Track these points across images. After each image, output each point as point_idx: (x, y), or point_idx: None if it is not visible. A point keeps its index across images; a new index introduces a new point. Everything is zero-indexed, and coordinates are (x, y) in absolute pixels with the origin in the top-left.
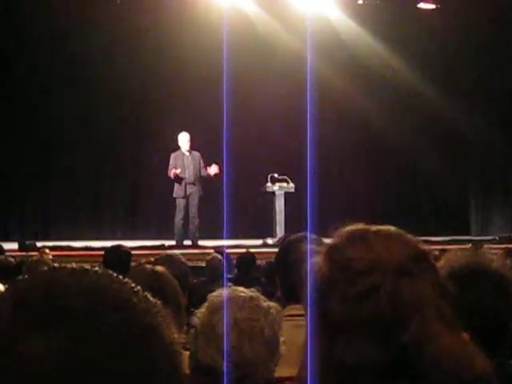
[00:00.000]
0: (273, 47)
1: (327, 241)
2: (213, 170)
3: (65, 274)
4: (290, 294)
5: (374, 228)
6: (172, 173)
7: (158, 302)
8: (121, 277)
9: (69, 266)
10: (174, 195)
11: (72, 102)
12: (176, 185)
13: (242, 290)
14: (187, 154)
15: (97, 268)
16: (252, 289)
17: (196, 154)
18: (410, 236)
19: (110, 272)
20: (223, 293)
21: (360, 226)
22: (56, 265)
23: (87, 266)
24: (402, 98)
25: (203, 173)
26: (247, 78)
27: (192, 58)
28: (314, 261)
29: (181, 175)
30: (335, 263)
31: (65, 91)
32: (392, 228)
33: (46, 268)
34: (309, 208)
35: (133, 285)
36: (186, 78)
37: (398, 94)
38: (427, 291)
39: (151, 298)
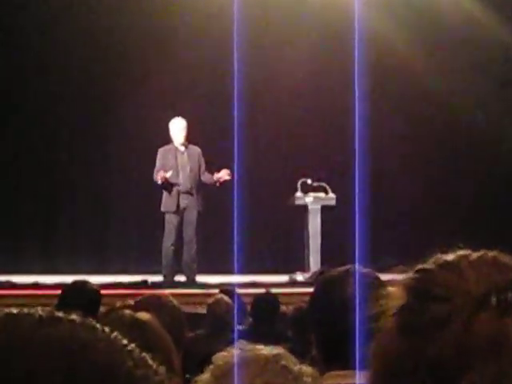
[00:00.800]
0: None
1: (386, 277)
2: (223, 175)
3: (28, 325)
4: (332, 355)
5: (474, 254)
6: (159, 176)
7: (161, 367)
8: (107, 329)
9: (33, 311)
10: (163, 209)
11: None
12: (165, 194)
13: (262, 348)
14: (182, 149)
15: (74, 316)
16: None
17: (195, 150)
18: None
19: (93, 323)
20: (234, 352)
21: (460, 252)
22: (13, 310)
23: (59, 313)
24: (496, 69)
25: (204, 177)
26: (269, 38)
27: (190, 7)
28: (387, 293)
29: (172, 180)
30: (414, 291)
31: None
32: (498, 254)
33: None
34: (358, 229)
35: (125, 341)
36: (180, 38)
37: (491, 64)
38: None
39: (150, 361)
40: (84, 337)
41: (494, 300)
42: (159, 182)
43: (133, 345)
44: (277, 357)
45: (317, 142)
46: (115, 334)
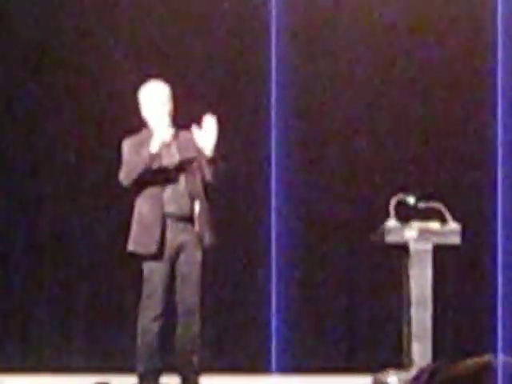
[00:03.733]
0: None
1: None
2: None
3: None
4: None
5: None
6: (142, 159)
7: None
8: None
9: None
10: (133, 247)
11: None
12: (137, 221)
13: None
14: (166, 138)
15: None
16: None
17: (187, 137)
18: None
19: None
20: None
21: None
22: None
23: None
24: None
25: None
26: None
27: None
28: None
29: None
30: None
31: None
32: None
33: None
34: (502, 287)
35: None
36: None
37: None
38: None
39: None
40: None
41: None
42: (136, 174)
43: None
44: None
45: (424, 127)
46: None
